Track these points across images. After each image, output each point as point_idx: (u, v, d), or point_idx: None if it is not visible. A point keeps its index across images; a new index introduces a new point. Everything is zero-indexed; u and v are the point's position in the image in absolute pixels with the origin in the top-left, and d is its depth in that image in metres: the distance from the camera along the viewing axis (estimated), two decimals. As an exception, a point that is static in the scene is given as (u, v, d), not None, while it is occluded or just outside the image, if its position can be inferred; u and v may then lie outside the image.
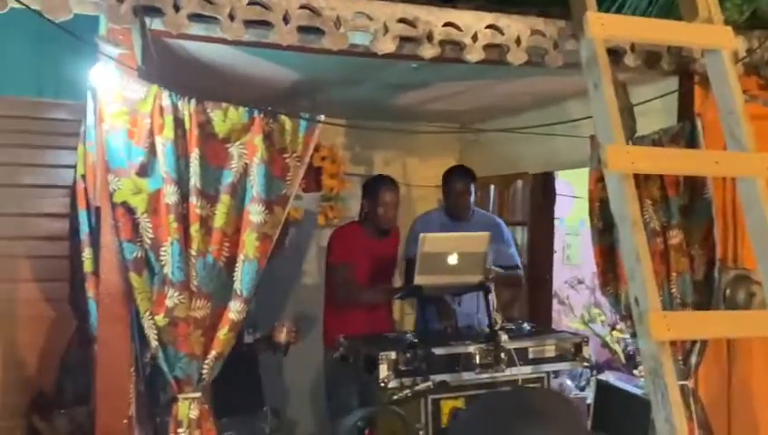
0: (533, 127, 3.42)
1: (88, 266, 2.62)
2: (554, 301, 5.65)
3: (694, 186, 3.10)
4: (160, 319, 2.45)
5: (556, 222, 5.42)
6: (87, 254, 2.63)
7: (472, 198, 4.05)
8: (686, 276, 3.10)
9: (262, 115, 2.57)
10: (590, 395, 4.71)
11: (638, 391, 3.80)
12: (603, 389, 4.06)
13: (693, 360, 3.09)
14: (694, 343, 3.06)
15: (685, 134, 3.11)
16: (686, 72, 3.10)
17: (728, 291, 3.13)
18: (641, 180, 3.08)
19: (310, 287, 4.32)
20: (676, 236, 3.11)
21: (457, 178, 4.08)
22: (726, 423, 3.17)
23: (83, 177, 2.67)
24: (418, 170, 5.07)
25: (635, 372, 4.85)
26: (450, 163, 5.03)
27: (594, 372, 5.00)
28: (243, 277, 2.52)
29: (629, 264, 2.25)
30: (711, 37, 2.58)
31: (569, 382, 5.10)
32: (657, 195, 3.10)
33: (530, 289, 4.83)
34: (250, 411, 3.37)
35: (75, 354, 3.25)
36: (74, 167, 2.90)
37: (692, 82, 3.13)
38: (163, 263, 2.46)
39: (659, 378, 2.15)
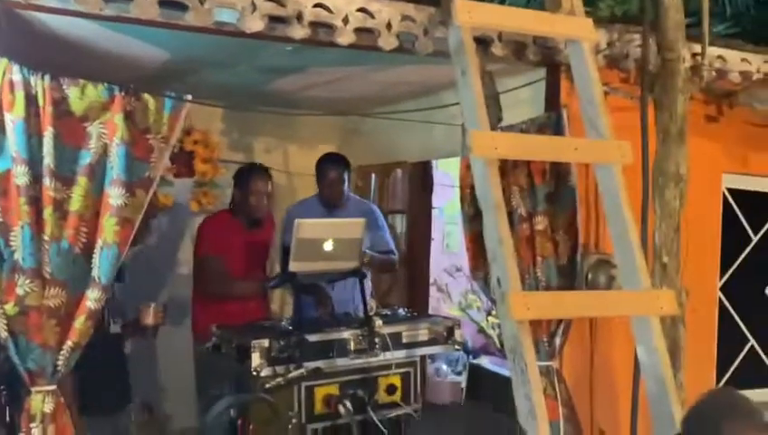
0: (411, 112, 3.46)
1: (-69, 254, 2.43)
2: (434, 288, 5.75)
3: (559, 174, 3.21)
4: (10, 308, 2.31)
5: (437, 211, 5.52)
6: (-71, 239, 2.44)
7: (346, 186, 4.02)
8: (550, 261, 3.22)
9: (123, 93, 2.46)
10: (463, 379, 4.85)
11: (509, 374, 3.93)
12: (476, 372, 4.17)
13: (557, 341, 3.22)
14: (558, 324, 3.19)
15: (551, 124, 3.21)
16: (553, 63, 3.20)
17: (590, 275, 3.26)
18: (509, 168, 3.17)
19: (183, 276, 4.17)
20: (541, 223, 3.22)
21: (330, 165, 4.03)
22: (589, 400, 3.33)
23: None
24: (299, 158, 5.02)
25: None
26: (332, 151, 5.03)
27: (470, 356, 5.13)
28: (101, 264, 2.41)
29: (492, 246, 2.30)
30: (573, 28, 2.68)
31: (444, 367, 5.22)
32: (524, 182, 3.20)
33: (408, 276, 4.89)
34: (117, 408, 3.23)
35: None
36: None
37: (558, 74, 3.24)
38: (13, 248, 2.31)
39: (519, 356, 2.22)
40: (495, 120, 3.01)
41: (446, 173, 5.66)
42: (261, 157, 4.88)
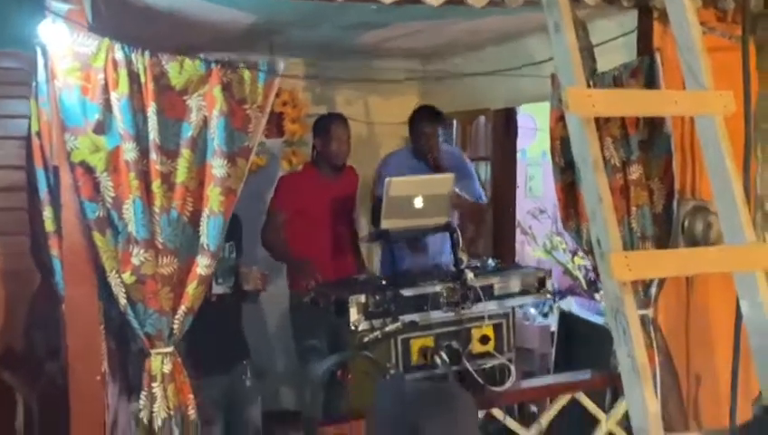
0: (499, 70, 3.41)
1: (49, 226, 2.59)
2: (517, 231, 5.74)
3: (653, 121, 3.13)
4: (127, 277, 2.45)
5: (519, 154, 5.46)
6: (48, 213, 2.59)
7: (440, 140, 4.06)
8: (645, 210, 3.17)
9: (219, 66, 2.52)
10: (553, 323, 4.87)
11: (600, 321, 3.93)
12: (566, 319, 4.18)
13: (653, 290, 3.19)
14: (653, 273, 3.15)
15: (644, 69, 3.12)
16: (645, 6, 3.08)
17: (686, 222, 3.20)
18: (602, 119, 3.10)
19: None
20: (635, 171, 3.16)
21: (425, 120, 4.08)
22: (685, 349, 3.30)
23: (38, 134, 2.60)
24: (381, 108, 5.03)
25: (596, 296, 5.00)
26: (412, 101, 5.01)
27: (557, 297, 5.13)
28: (209, 232, 2.51)
29: (591, 205, 2.28)
30: (669, -30, 2.56)
31: (532, 311, 5.24)
32: (617, 133, 3.13)
33: (494, 223, 4.89)
34: (233, 364, 3.38)
35: (42, 308, 3.23)
36: (27, 117, 2.82)
37: (651, 17, 3.12)
38: (126, 221, 2.44)
39: (621, 315, 2.21)
40: (589, 73, 2.95)
41: (530, 115, 5.58)
42: (343, 108, 4.91)
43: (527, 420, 3.44)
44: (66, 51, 2.35)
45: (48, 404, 3.17)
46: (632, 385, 2.20)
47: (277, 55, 3.74)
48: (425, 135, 4.02)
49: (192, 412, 2.53)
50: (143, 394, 2.52)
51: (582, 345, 4.06)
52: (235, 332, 3.38)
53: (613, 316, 2.26)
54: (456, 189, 3.61)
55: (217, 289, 3.10)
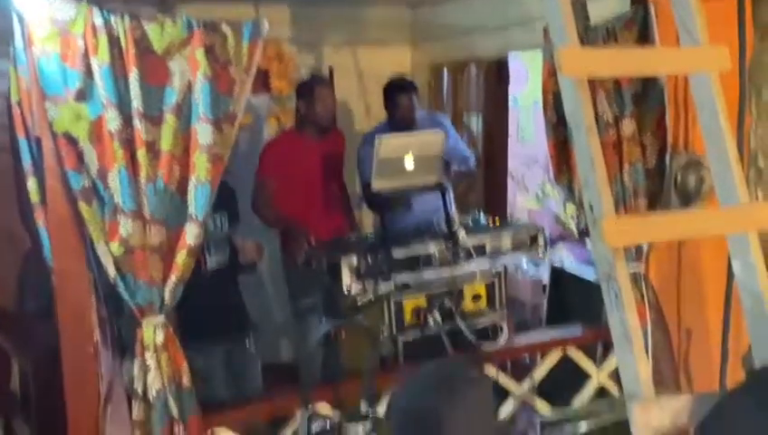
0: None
1: (34, 197, 2.54)
2: (509, 179, 5.71)
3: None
4: (115, 248, 2.41)
5: (511, 102, 5.38)
6: (32, 183, 2.54)
7: (416, 109, 4.02)
8: (638, 166, 3.14)
9: (201, 27, 2.44)
10: (544, 273, 4.87)
11: (592, 278, 3.93)
12: (558, 275, 4.19)
13: (644, 246, 3.19)
14: (645, 229, 3.14)
15: (638, 19, 3.05)
16: (639, -46, 3.00)
17: (679, 176, 3.17)
18: (595, 72, 3.04)
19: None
20: (628, 126, 3.12)
21: (400, 93, 4.03)
22: (676, 305, 3.31)
23: (19, 103, 2.53)
24: (370, 59, 4.93)
25: (587, 242, 4.99)
26: (402, 50, 4.92)
27: (549, 245, 5.12)
28: (196, 201, 2.46)
29: (584, 170, 2.24)
30: None
31: (524, 262, 5.24)
32: (609, 86, 3.08)
33: (485, 174, 4.87)
34: (234, 338, 3.38)
35: (33, 270, 3.21)
36: (6, 76, 2.74)
37: (644, -34, 3.04)
38: (112, 191, 2.39)
39: (613, 281, 2.20)
40: (582, 29, 2.87)
41: (521, 62, 5.47)
42: (331, 59, 4.83)
43: (520, 371, 3.48)
44: (43, 17, 2.27)
45: (42, 367, 3.17)
46: (624, 351, 2.20)
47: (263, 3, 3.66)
48: (401, 107, 3.99)
49: (186, 381, 2.52)
50: (136, 365, 2.51)
51: (574, 297, 4.08)
52: (234, 304, 3.36)
53: (605, 282, 2.25)
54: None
55: (211, 262, 3.07)
